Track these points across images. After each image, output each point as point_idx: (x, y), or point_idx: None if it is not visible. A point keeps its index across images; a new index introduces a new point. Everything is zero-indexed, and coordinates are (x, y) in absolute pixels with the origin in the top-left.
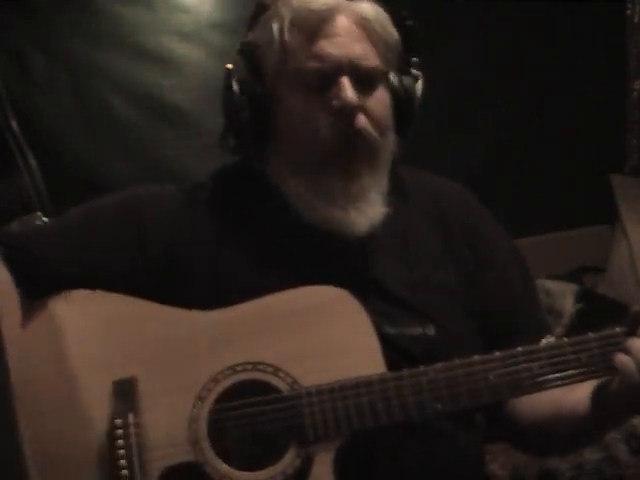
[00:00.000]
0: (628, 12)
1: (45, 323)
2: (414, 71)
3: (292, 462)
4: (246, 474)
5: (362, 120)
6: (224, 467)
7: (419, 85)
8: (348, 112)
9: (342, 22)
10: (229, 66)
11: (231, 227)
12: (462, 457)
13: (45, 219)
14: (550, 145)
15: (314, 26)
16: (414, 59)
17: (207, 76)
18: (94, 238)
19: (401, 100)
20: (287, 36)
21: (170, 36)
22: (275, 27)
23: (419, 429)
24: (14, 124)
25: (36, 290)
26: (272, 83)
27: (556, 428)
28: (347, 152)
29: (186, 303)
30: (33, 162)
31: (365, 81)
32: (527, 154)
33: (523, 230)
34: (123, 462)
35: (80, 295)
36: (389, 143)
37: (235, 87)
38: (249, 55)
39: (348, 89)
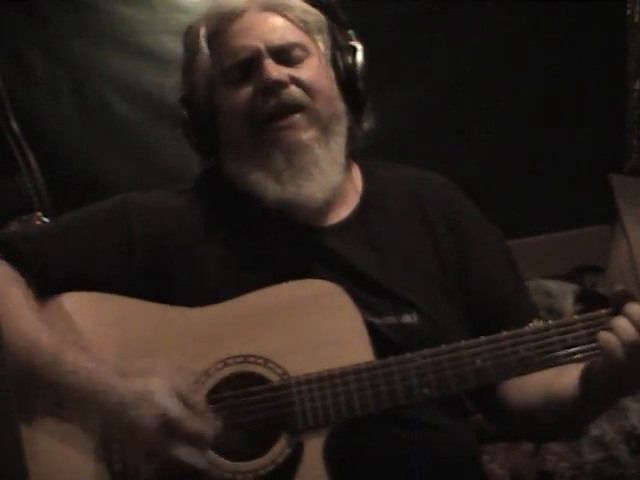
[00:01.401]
0: (628, 12)
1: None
2: (351, 43)
3: (283, 451)
4: (237, 464)
5: (293, 92)
6: (216, 457)
7: (358, 56)
8: (274, 88)
9: (252, 14)
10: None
11: (214, 228)
12: (453, 446)
13: (45, 219)
14: (550, 145)
15: (227, 27)
16: (348, 32)
17: None
18: (85, 244)
19: (341, 72)
20: (207, 46)
21: (170, 36)
22: (197, 41)
23: (408, 417)
24: (14, 124)
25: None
26: (207, 93)
27: (548, 412)
28: (281, 127)
29: (175, 302)
30: (33, 162)
31: (289, 56)
32: (527, 154)
33: (523, 230)
34: (117, 456)
35: (76, 297)
36: (337, 112)
37: (182, 109)
38: (185, 75)
39: (269, 68)
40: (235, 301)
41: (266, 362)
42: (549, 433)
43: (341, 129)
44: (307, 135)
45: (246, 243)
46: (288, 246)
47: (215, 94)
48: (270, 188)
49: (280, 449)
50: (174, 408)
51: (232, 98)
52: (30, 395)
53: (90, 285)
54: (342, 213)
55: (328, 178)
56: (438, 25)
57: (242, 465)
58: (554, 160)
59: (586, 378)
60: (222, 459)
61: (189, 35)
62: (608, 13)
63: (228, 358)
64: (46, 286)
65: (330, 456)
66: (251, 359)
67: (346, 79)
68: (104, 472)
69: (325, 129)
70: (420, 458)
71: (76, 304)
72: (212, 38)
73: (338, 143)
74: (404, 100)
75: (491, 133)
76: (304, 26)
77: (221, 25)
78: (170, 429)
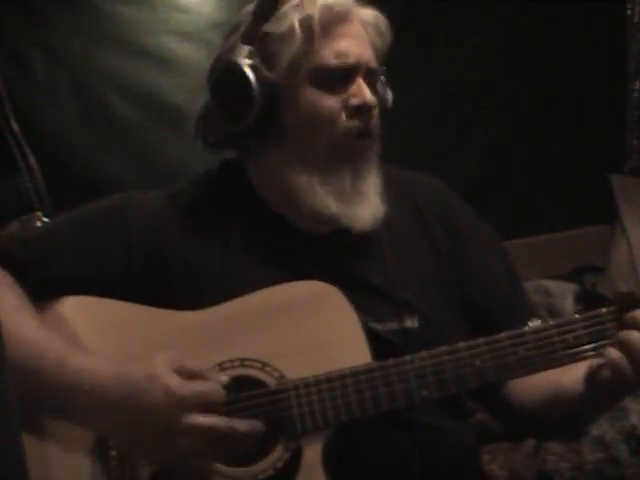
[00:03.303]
0: (628, 12)
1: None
2: (383, 79)
3: (282, 455)
4: (236, 469)
5: (374, 119)
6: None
7: (389, 93)
8: (366, 111)
9: (356, 24)
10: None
11: (213, 231)
12: (452, 447)
13: (45, 219)
14: (550, 145)
15: (333, 25)
16: (384, 67)
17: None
18: (83, 244)
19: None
20: (311, 32)
21: (170, 36)
22: (297, 21)
23: (407, 418)
24: (14, 124)
25: (28, 293)
26: (284, 75)
27: (556, 408)
28: (358, 150)
29: (173, 304)
30: (33, 162)
31: (371, 82)
32: (527, 154)
33: (523, 230)
34: (115, 462)
35: (72, 301)
36: (379, 146)
37: (249, 73)
38: (262, 45)
39: (366, 89)
40: (229, 304)
41: (263, 366)
42: (556, 429)
43: (378, 162)
44: (369, 163)
45: (245, 247)
46: (288, 251)
47: (297, 81)
48: (330, 203)
49: (279, 454)
50: (176, 381)
51: (320, 100)
52: (31, 401)
53: (89, 287)
54: None
55: (376, 206)
56: (438, 25)
57: (241, 470)
58: (554, 160)
59: (590, 380)
60: (221, 465)
61: (286, 7)
62: (608, 13)
63: (224, 362)
64: (45, 290)
65: (329, 460)
66: (247, 363)
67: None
68: (102, 476)
69: (376, 159)
70: (420, 459)
71: (74, 309)
72: (318, 25)
73: (379, 176)
74: (404, 100)
75: (491, 133)
76: (377, 56)
77: (330, 19)
78: (181, 400)
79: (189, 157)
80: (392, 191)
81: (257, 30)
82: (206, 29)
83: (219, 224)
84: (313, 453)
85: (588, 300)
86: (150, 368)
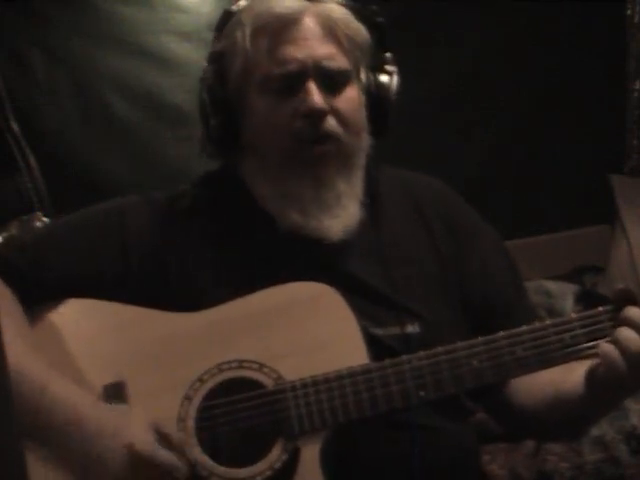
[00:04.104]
0: (628, 12)
1: (43, 331)
2: (388, 67)
3: (280, 456)
4: (234, 470)
5: (331, 123)
6: (213, 464)
7: (394, 82)
8: (315, 116)
9: (306, 24)
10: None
11: (212, 233)
12: (451, 448)
13: (45, 219)
14: (550, 145)
15: (278, 31)
16: (387, 55)
17: None
18: (81, 245)
19: (375, 99)
20: (251, 43)
21: (170, 36)
22: (239, 34)
23: (405, 420)
24: (14, 124)
25: (26, 298)
26: (238, 90)
27: (557, 410)
28: (316, 156)
29: (173, 305)
30: (33, 162)
31: (332, 82)
32: (527, 154)
33: (523, 230)
34: None
35: (71, 304)
36: (362, 144)
37: (204, 95)
38: (216, 63)
39: (314, 93)
40: (227, 305)
41: (261, 367)
42: (558, 431)
43: (362, 162)
44: (334, 169)
45: (244, 249)
46: (288, 253)
47: (249, 93)
48: (292, 217)
49: (277, 455)
50: (146, 441)
51: (270, 109)
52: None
53: (89, 287)
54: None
55: (349, 214)
56: (438, 25)
57: (239, 471)
58: (554, 160)
59: (590, 381)
60: (219, 466)
61: (230, 22)
62: (608, 13)
63: (222, 363)
64: (45, 292)
65: (327, 460)
66: (246, 364)
67: (378, 107)
68: None
69: (349, 163)
70: (419, 460)
71: (75, 312)
72: (258, 35)
73: (358, 176)
74: (404, 100)
75: (491, 133)
76: (352, 48)
77: (272, 25)
78: (140, 462)
79: (189, 157)
80: (392, 191)
81: (214, 48)
82: (206, 29)
83: (218, 225)
84: (311, 454)
85: (588, 301)
86: (130, 415)
